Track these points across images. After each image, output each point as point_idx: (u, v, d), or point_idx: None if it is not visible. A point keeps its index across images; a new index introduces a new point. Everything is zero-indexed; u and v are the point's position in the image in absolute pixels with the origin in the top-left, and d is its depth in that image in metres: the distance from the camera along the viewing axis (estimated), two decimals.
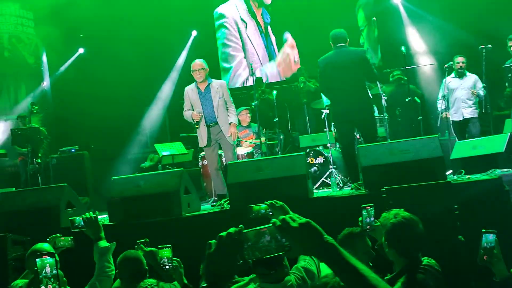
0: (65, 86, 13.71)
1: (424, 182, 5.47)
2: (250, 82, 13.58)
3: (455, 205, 5.21)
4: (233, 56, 14.35)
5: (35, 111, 11.55)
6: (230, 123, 7.78)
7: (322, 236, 1.88)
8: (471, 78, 9.37)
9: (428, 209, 5.28)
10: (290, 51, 13.84)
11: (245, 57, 14.15)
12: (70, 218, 4.50)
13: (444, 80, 9.50)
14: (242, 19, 14.27)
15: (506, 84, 8.66)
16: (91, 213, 4.37)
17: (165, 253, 3.99)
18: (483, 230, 3.39)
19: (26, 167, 10.86)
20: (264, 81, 12.70)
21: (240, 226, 1.99)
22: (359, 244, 4.00)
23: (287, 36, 13.87)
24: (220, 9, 14.65)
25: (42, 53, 14.30)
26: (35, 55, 14.15)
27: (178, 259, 4.05)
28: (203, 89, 7.83)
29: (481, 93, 9.16)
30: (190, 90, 7.87)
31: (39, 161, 10.96)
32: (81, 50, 14.78)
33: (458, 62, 9.35)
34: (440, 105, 9.52)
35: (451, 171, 7.67)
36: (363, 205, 3.86)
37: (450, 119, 9.52)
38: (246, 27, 14.17)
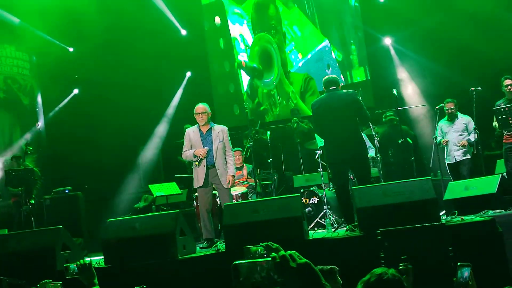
0: (59, 126, 13.79)
1: (418, 223, 5.52)
2: None
3: (449, 246, 5.26)
4: None
5: (29, 152, 11.59)
6: (228, 174, 7.87)
7: (320, 280, 1.87)
8: (462, 120, 9.46)
9: (423, 250, 5.34)
10: None
11: None
12: (64, 265, 4.51)
13: (438, 124, 9.62)
14: None
15: (497, 124, 8.77)
16: (85, 259, 4.39)
17: None
18: (458, 263, 3.47)
19: (19, 208, 10.83)
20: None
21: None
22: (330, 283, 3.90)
23: None
24: None
25: (37, 94, 14.42)
26: (30, 96, 14.26)
27: None
28: (204, 132, 7.92)
29: (471, 138, 9.24)
30: (191, 132, 7.96)
31: (33, 202, 10.95)
32: (75, 91, 14.90)
33: (447, 109, 9.47)
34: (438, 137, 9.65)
35: (444, 211, 7.75)
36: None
37: (445, 161, 9.61)
38: None
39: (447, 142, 9.44)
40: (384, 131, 10.70)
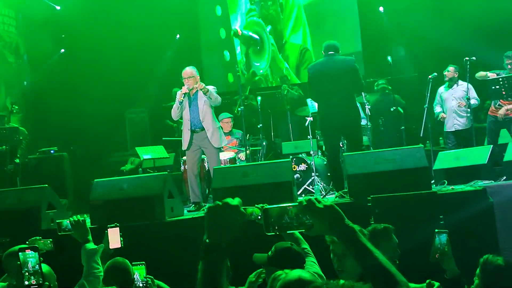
0: (46, 86, 13.53)
1: (409, 191, 5.52)
2: None
3: (440, 215, 5.25)
4: None
5: (15, 111, 11.39)
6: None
7: (344, 219, 2.01)
8: (463, 86, 9.36)
9: (413, 218, 5.33)
10: None
11: None
12: (57, 221, 4.43)
13: (438, 90, 9.56)
14: None
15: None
16: (79, 216, 4.31)
17: (139, 270, 3.85)
18: (436, 230, 3.51)
19: (3, 167, 10.68)
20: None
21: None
22: (383, 243, 3.78)
23: None
24: None
25: (23, 52, 14.12)
26: (16, 54, 13.95)
27: (151, 277, 3.88)
28: (191, 95, 7.80)
29: (473, 102, 9.18)
30: (180, 93, 7.82)
31: (18, 161, 10.78)
32: (62, 50, 14.62)
33: (449, 71, 9.39)
34: (437, 109, 9.60)
35: (433, 181, 7.73)
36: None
37: (445, 130, 9.58)
38: None
39: (445, 118, 9.41)
40: (376, 99, 10.63)
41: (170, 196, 6.49)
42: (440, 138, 9.98)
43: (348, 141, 7.71)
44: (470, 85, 9.18)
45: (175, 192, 6.69)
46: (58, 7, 14.07)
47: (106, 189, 6.57)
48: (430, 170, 6.12)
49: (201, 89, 7.65)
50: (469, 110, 9.14)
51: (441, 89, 9.60)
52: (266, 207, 2.11)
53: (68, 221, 4.33)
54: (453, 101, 9.37)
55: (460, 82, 9.40)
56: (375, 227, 3.99)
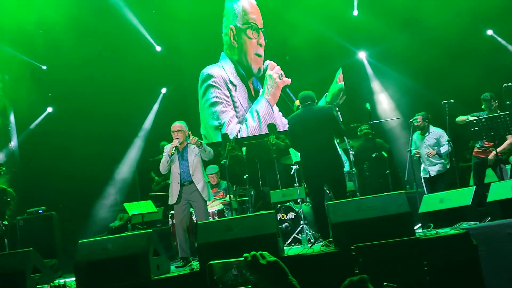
0: (33, 146, 13.58)
1: (393, 238, 5.51)
2: (243, 134, 13.76)
3: (424, 261, 5.24)
4: (224, 112, 14.20)
5: (2, 172, 11.36)
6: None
7: (287, 276, 2.01)
8: (434, 134, 9.50)
9: (397, 265, 5.32)
10: (272, 72, 13.89)
11: (236, 115, 14.13)
12: (37, 286, 4.41)
13: (412, 136, 9.67)
14: (231, 81, 14.25)
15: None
16: (60, 281, 4.30)
17: None
18: (384, 283, 3.49)
19: None
20: (231, 137, 12.81)
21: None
22: None
23: (266, 62, 13.97)
24: (207, 70, 14.52)
25: (10, 113, 14.20)
26: (3, 115, 14.03)
27: None
28: (181, 149, 7.86)
29: (442, 150, 9.31)
30: (170, 147, 7.86)
31: (6, 223, 10.72)
32: (49, 109, 14.72)
33: (418, 121, 9.50)
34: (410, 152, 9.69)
35: (420, 224, 7.75)
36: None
37: (421, 175, 9.64)
38: (235, 89, 14.18)
39: (419, 152, 9.48)
40: (359, 145, 10.73)
41: (155, 254, 6.45)
42: None
43: (332, 189, 7.74)
44: (441, 132, 9.33)
45: (160, 249, 6.65)
46: (44, 67, 14.26)
47: (90, 249, 6.52)
48: (412, 216, 6.12)
49: (194, 143, 7.73)
50: (441, 156, 9.29)
51: (415, 136, 9.70)
52: (210, 262, 2.12)
53: (49, 286, 4.32)
54: (426, 149, 9.47)
55: (431, 129, 9.53)
56: (351, 280, 3.98)
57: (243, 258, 2.04)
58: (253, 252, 2.04)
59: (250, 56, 14.14)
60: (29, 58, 13.78)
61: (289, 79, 13.66)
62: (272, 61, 13.89)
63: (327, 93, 13.17)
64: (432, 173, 9.41)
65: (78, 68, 13.41)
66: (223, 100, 14.26)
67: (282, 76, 13.69)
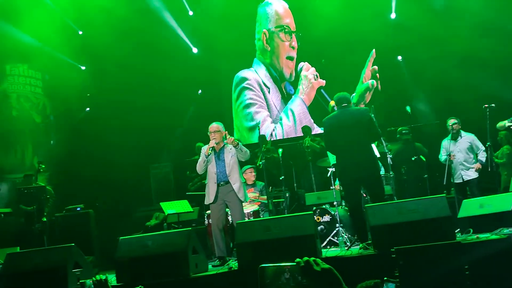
0: (71, 144, 13.82)
1: (433, 241, 5.47)
2: (278, 133, 13.79)
3: (466, 265, 5.19)
4: (258, 113, 14.28)
5: (42, 170, 11.61)
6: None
7: (341, 284, 1.99)
8: (466, 138, 9.40)
9: (438, 269, 5.27)
10: (308, 73, 13.92)
11: (270, 116, 14.19)
12: (80, 281, 4.49)
13: (443, 143, 9.57)
14: (264, 84, 14.33)
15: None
16: (101, 275, 4.36)
17: None
18: (385, 278, 3.46)
19: (31, 226, 10.83)
20: (268, 139, 12.82)
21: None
22: None
23: (301, 64, 14.02)
24: (241, 74, 14.63)
25: (49, 112, 14.50)
26: (43, 114, 14.34)
27: None
28: (217, 150, 7.93)
29: (483, 159, 9.23)
30: (207, 147, 7.93)
31: (45, 220, 10.94)
32: (87, 109, 14.99)
33: (450, 125, 9.41)
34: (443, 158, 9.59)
35: (458, 229, 7.66)
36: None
37: (452, 181, 9.54)
38: (269, 91, 14.25)
39: (454, 156, 9.38)
40: (397, 148, 10.62)
41: (194, 252, 6.52)
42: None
43: (369, 191, 7.69)
44: (472, 136, 9.24)
45: (199, 248, 6.71)
46: (83, 67, 14.51)
47: (131, 246, 6.63)
48: (453, 220, 6.07)
49: (231, 143, 7.79)
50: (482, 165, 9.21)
51: (445, 142, 9.59)
52: (261, 265, 2.10)
53: (91, 281, 4.38)
54: (459, 153, 9.36)
55: (462, 133, 9.42)
56: (367, 284, 3.98)
57: (295, 263, 2.03)
58: (306, 258, 2.04)
59: (282, 60, 14.19)
60: (68, 58, 14.03)
61: (324, 81, 13.68)
62: (307, 62, 13.91)
63: (354, 94, 13.14)
64: (466, 178, 9.30)
65: (116, 69, 13.62)
66: (257, 102, 14.32)
67: (317, 77, 13.71)
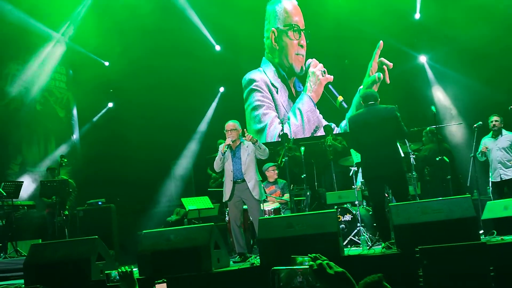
0: (94, 139, 13.94)
1: (457, 242, 5.42)
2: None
3: (490, 266, 5.14)
4: (266, 114, 14.31)
5: (64, 164, 11.70)
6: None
7: (354, 287, 1.98)
8: (508, 137, 9.28)
9: (463, 270, 5.23)
10: (315, 69, 13.89)
11: (278, 116, 14.20)
12: (106, 272, 4.52)
13: (483, 140, 9.46)
14: (272, 84, 14.34)
15: None
16: (126, 267, 4.38)
17: None
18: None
19: (53, 219, 10.93)
20: (289, 137, 12.82)
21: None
22: None
23: (309, 60, 13.99)
24: (249, 76, 14.67)
25: (73, 107, 14.64)
26: (66, 108, 14.49)
27: None
28: (234, 148, 7.94)
29: None
30: (223, 145, 7.96)
31: (67, 213, 11.03)
32: (110, 104, 15.11)
33: (492, 121, 9.30)
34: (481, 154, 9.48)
35: (482, 231, 7.59)
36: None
37: (490, 180, 9.42)
38: (277, 91, 14.26)
39: (487, 148, 9.27)
40: (430, 147, 10.41)
41: (216, 247, 6.54)
42: (488, 187, 9.79)
43: (393, 191, 7.62)
44: None
45: (221, 243, 6.73)
46: (106, 63, 14.62)
47: (153, 240, 6.65)
48: (478, 220, 6.02)
49: (250, 140, 7.80)
50: None
51: (486, 139, 9.48)
52: (273, 268, 2.10)
53: (116, 272, 4.41)
54: (499, 152, 9.24)
55: (503, 132, 9.31)
56: (370, 279, 3.94)
57: (308, 267, 2.03)
58: (319, 261, 2.02)
59: (291, 56, 14.22)
60: (92, 54, 14.15)
61: (332, 76, 13.68)
62: (314, 59, 13.87)
63: (361, 87, 13.07)
64: (504, 177, 9.19)
65: (139, 66, 13.71)
66: (264, 103, 14.36)
67: (325, 73, 13.67)
